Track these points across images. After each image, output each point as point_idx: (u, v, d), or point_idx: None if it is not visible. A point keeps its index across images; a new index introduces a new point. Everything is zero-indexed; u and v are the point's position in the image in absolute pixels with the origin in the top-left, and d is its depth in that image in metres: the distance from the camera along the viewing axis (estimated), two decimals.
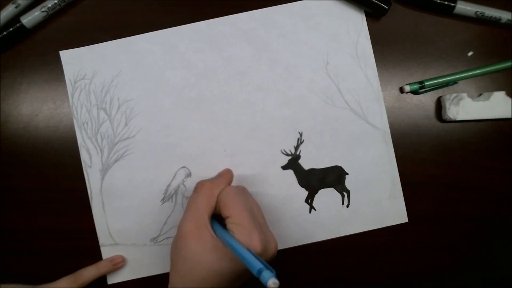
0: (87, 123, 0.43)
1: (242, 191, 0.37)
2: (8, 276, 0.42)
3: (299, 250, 0.43)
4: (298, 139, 0.43)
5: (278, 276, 0.26)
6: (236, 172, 0.43)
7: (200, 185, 0.37)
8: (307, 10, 0.44)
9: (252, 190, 0.43)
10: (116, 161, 0.43)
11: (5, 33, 0.42)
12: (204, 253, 0.32)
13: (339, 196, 0.44)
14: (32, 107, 0.43)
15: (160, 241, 0.43)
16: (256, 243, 0.31)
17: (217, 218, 0.36)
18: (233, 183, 0.42)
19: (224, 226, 0.35)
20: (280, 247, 0.43)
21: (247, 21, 0.44)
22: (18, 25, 0.42)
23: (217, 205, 0.36)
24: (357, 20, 0.44)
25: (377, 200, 0.44)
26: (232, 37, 0.44)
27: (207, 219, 0.34)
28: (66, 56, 0.43)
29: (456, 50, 0.45)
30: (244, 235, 0.32)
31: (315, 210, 0.43)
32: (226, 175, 0.40)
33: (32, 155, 0.43)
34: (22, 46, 0.43)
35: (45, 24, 0.44)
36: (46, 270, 0.43)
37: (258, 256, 0.29)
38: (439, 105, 0.45)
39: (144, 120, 0.43)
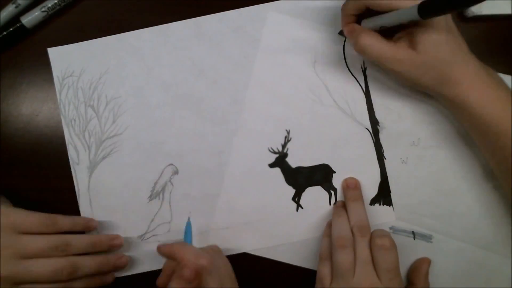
0: (74, 120, 0.43)
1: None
2: None
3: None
4: (285, 137, 0.43)
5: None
6: (223, 170, 0.43)
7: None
8: (296, 7, 0.44)
9: (239, 188, 0.43)
10: (103, 158, 0.43)
11: (5, 33, 0.42)
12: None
13: (326, 194, 0.43)
14: (32, 107, 0.44)
15: (147, 238, 0.43)
16: None
17: None
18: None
19: None
20: (266, 245, 0.43)
21: (236, 18, 0.44)
22: (18, 25, 0.42)
23: None
24: None
25: (364, 199, 0.43)
26: (220, 34, 0.44)
27: None
28: (54, 53, 0.43)
29: None
30: None
31: (302, 208, 0.43)
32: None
33: (32, 155, 0.43)
34: (22, 46, 0.44)
35: (45, 24, 0.44)
36: None
37: None
38: None
39: (131, 117, 0.43)
